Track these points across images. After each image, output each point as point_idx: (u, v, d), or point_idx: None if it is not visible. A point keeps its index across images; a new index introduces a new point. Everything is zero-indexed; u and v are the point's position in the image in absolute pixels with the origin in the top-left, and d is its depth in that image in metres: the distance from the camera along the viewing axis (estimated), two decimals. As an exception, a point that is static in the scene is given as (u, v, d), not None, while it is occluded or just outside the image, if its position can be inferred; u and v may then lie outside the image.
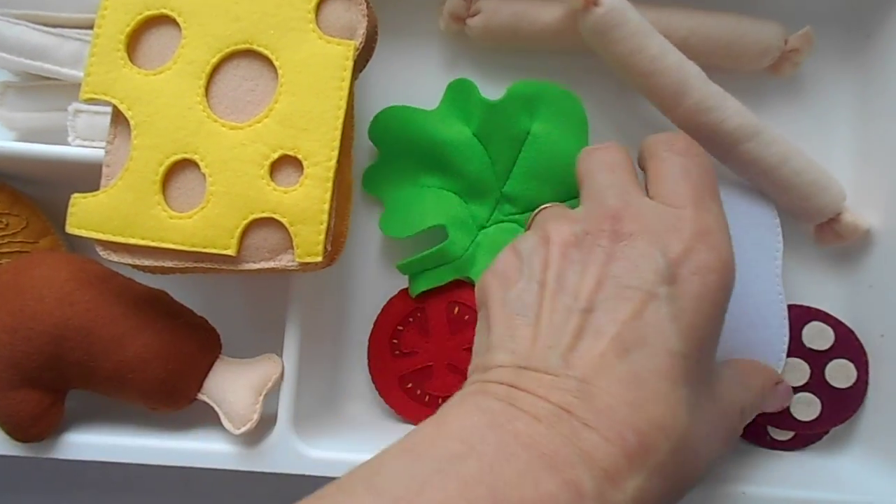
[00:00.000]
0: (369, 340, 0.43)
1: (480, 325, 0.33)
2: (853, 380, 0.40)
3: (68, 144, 0.39)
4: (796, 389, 0.40)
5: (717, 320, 0.30)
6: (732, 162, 0.40)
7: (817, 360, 0.40)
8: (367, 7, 0.35)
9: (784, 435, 0.41)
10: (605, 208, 0.31)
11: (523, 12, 0.42)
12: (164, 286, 0.38)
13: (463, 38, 0.44)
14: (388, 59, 0.43)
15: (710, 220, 0.31)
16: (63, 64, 0.39)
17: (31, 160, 0.38)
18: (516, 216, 0.42)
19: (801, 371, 0.40)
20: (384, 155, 0.44)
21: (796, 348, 0.40)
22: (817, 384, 0.40)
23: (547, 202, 0.41)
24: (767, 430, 0.41)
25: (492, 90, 0.44)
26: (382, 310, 0.43)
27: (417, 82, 0.44)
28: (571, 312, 0.28)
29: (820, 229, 0.41)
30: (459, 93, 0.42)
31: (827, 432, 0.41)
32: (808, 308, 0.41)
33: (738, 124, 0.39)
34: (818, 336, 0.40)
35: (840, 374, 0.40)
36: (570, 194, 0.42)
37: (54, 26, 0.40)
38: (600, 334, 0.28)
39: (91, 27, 0.40)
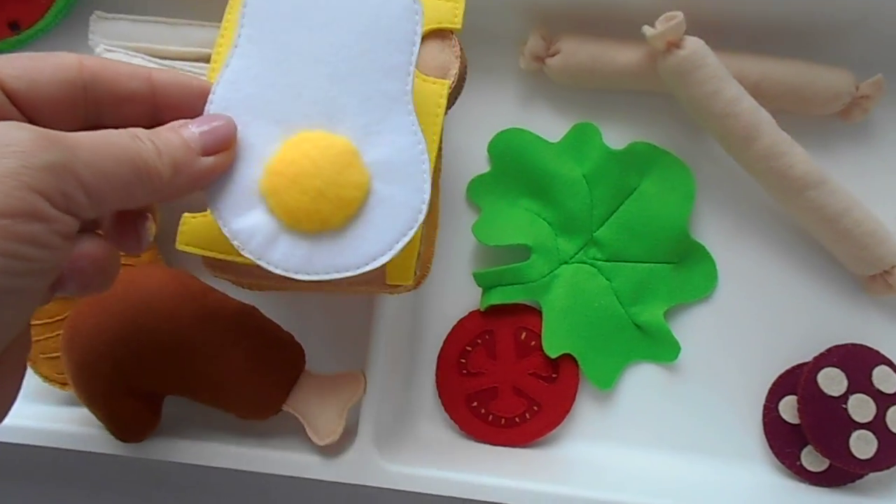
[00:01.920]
0: (438, 358, 0.45)
1: None
2: None
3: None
4: (858, 426, 0.40)
5: None
6: (796, 207, 0.42)
7: (883, 402, 0.41)
8: (460, 49, 0.37)
9: (817, 466, 0.42)
10: None
11: (601, 53, 0.44)
12: (252, 301, 0.41)
13: (540, 77, 0.47)
14: (467, 92, 0.45)
15: None
16: (173, 93, 0.42)
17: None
18: (599, 262, 0.44)
19: (868, 408, 0.40)
20: (496, 169, 0.46)
21: (867, 387, 0.41)
22: (878, 426, 0.40)
23: (631, 256, 0.44)
24: (800, 457, 0.42)
25: (562, 126, 0.46)
26: (452, 330, 0.45)
27: (493, 116, 0.47)
28: None
29: (873, 280, 0.43)
30: (582, 134, 0.45)
31: (862, 476, 0.42)
32: (879, 353, 0.42)
33: (805, 171, 0.40)
34: (885, 379, 0.41)
35: None
36: (653, 256, 0.45)
37: (163, 58, 0.44)
38: None
39: (198, 60, 0.44)
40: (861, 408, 0.40)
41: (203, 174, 0.30)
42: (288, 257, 0.31)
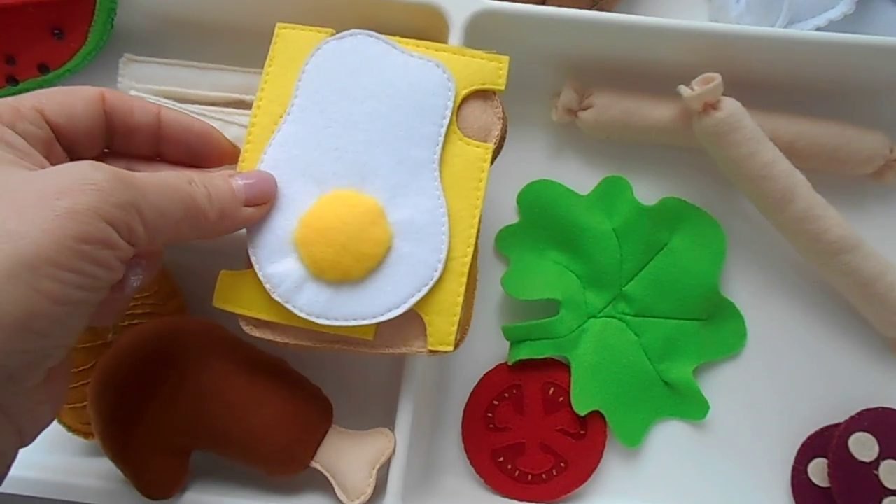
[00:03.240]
0: (465, 412, 0.45)
1: None
2: None
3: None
4: (889, 493, 0.40)
5: None
6: (830, 270, 0.41)
7: None
8: (502, 109, 0.37)
9: None
10: None
11: (635, 109, 0.44)
12: (281, 353, 0.40)
13: (572, 129, 0.46)
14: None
15: None
16: (204, 141, 0.42)
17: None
18: (628, 317, 0.44)
19: None
20: (525, 220, 0.46)
21: None
22: None
23: (660, 312, 0.43)
24: None
25: (592, 179, 0.46)
26: (479, 383, 0.45)
27: (524, 167, 0.47)
28: None
29: None
30: (613, 188, 0.45)
31: None
32: None
33: (840, 235, 0.40)
34: None
35: None
36: (683, 313, 0.44)
37: (195, 102, 0.43)
38: None
39: (225, 105, 0.44)
40: (893, 474, 0.40)
41: (243, 222, 0.34)
42: (312, 303, 0.34)
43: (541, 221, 0.46)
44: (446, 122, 0.35)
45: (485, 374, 0.45)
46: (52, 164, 0.30)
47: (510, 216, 0.47)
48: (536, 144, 0.47)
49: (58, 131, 0.32)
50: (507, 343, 0.45)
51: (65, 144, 0.32)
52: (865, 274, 0.40)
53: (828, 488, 0.41)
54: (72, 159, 0.32)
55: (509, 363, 0.44)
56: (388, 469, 0.39)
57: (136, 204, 0.28)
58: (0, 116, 0.30)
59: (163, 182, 0.30)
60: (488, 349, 0.45)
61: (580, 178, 0.46)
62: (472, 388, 0.45)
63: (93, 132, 0.33)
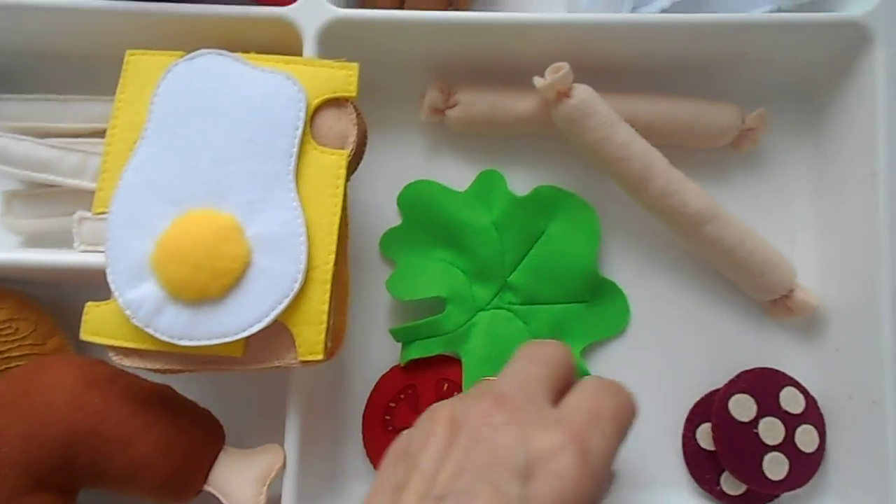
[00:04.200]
0: (363, 417, 0.45)
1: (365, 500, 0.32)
2: (815, 446, 0.42)
3: (72, 248, 0.40)
4: (769, 448, 0.42)
5: None
6: (694, 242, 0.43)
7: (791, 423, 0.42)
8: (357, 115, 0.37)
9: (736, 489, 0.43)
10: (494, 392, 0.31)
11: (499, 103, 0.45)
12: (167, 380, 0.40)
13: (442, 128, 0.47)
14: (373, 148, 0.45)
15: (594, 439, 0.29)
16: (66, 175, 0.41)
17: (38, 267, 0.40)
18: (515, 306, 0.45)
19: (777, 431, 0.42)
20: (406, 222, 0.47)
21: (775, 409, 0.42)
22: (788, 446, 0.42)
23: (545, 299, 0.44)
24: (719, 482, 0.43)
25: (468, 174, 0.47)
26: (375, 387, 0.45)
27: (400, 169, 0.47)
28: (425, 499, 0.28)
29: (773, 304, 0.44)
30: (488, 182, 0.46)
31: (778, 496, 0.43)
32: (785, 375, 0.43)
33: (699, 207, 0.42)
34: (792, 400, 0.42)
35: (807, 439, 0.42)
36: (567, 297, 0.45)
37: (60, 136, 0.43)
38: None
39: (90, 136, 0.43)
40: (771, 430, 0.42)
41: None
42: (172, 325, 0.34)
43: (422, 221, 0.46)
44: (299, 132, 0.36)
45: (379, 378, 0.45)
46: None
47: (393, 219, 0.47)
48: (411, 146, 0.48)
49: None
50: (399, 345, 0.45)
51: None
52: (727, 242, 0.42)
53: (716, 451, 0.43)
54: None
55: (402, 364, 0.45)
56: (282, 485, 0.39)
57: None
58: None
59: None
60: (381, 353, 0.46)
61: (457, 176, 0.47)
62: (368, 394, 0.45)
63: None
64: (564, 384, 0.33)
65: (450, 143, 0.48)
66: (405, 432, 0.33)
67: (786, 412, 0.42)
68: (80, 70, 0.46)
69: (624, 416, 0.31)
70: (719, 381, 0.45)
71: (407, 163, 0.47)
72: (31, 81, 0.46)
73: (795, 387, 0.43)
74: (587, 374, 0.45)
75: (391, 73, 0.46)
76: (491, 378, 0.35)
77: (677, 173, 0.42)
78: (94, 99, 0.44)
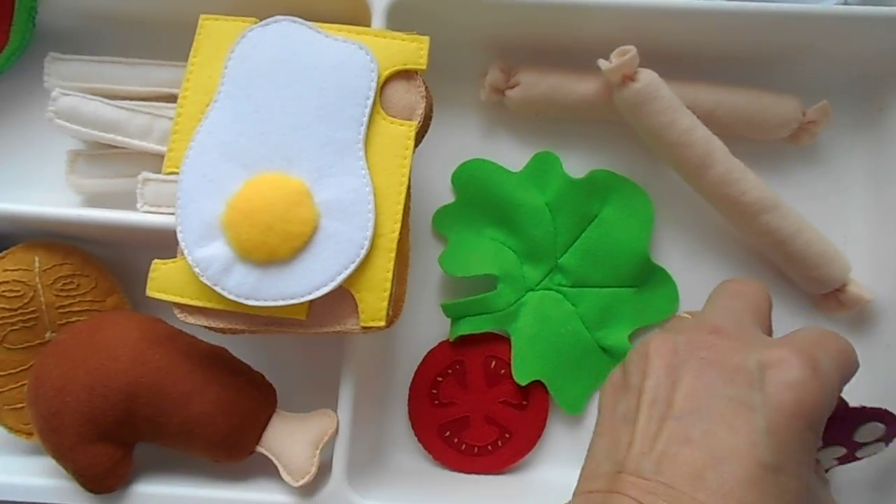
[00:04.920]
0: (410, 390, 0.46)
1: (595, 432, 0.33)
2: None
3: (134, 209, 0.41)
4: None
5: (811, 437, 0.29)
6: (750, 231, 0.43)
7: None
8: (426, 89, 0.37)
9: None
10: (709, 323, 0.32)
11: (560, 85, 0.45)
12: (223, 343, 0.41)
13: (500, 108, 0.47)
14: (431, 125, 0.46)
15: (822, 360, 0.29)
16: (133, 136, 0.42)
17: (101, 225, 0.41)
18: (564, 288, 0.45)
19: None
20: (460, 200, 0.47)
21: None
22: None
23: (595, 282, 0.45)
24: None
25: (523, 155, 0.47)
26: (423, 361, 0.46)
27: (457, 147, 0.47)
28: (665, 420, 0.29)
29: (824, 298, 0.44)
30: (543, 163, 0.46)
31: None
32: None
33: (758, 197, 0.42)
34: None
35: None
36: (616, 281, 0.46)
37: (124, 98, 0.43)
38: (691, 443, 0.28)
39: (155, 100, 0.44)
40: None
41: None
42: (240, 284, 0.35)
43: (476, 200, 0.47)
44: (370, 102, 0.36)
45: (428, 352, 0.46)
46: None
47: (446, 196, 0.47)
48: (468, 125, 0.48)
49: None
50: (448, 320, 0.46)
51: None
52: (784, 233, 0.42)
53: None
54: None
55: (451, 339, 0.45)
56: (332, 448, 0.39)
57: None
58: None
59: None
60: (430, 328, 0.46)
61: (512, 156, 0.47)
62: (416, 367, 0.46)
63: None
64: (767, 321, 0.34)
65: (506, 124, 0.48)
66: (616, 368, 0.33)
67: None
68: (145, 35, 0.47)
69: (848, 358, 0.31)
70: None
71: (463, 141, 0.48)
72: (98, 45, 0.47)
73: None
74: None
75: (452, 51, 0.46)
76: (685, 314, 0.36)
77: (737, 162, 0.42)
78: (159, 64, 0.45)
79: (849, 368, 0.31)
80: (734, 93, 0.44)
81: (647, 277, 0.46)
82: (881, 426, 0.36)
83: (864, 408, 0.35)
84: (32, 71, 0.46)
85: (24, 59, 0.46)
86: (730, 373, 0.29)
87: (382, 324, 0.35)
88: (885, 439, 0.37)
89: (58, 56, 0.45)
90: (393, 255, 0.35)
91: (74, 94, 0.43)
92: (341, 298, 0.35)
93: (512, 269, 0.45)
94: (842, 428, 0.35)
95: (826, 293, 0.44)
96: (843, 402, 0.33)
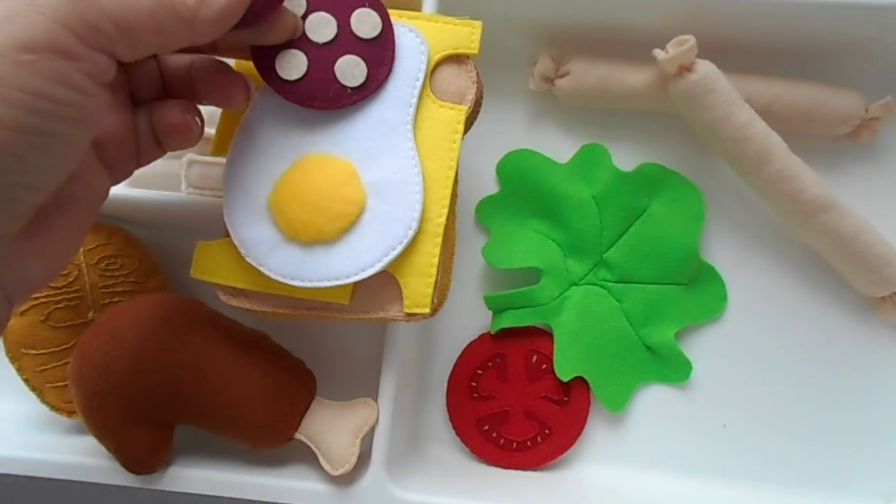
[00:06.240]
0: (449, 382, 0.45)
1: None
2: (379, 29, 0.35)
3: (178, 191, 0.41)
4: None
5: None
6: (807, 230, 0.41)
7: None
8: (477, 74, 0.37)
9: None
10: None
11: (611, 75, 0.44)
12: (263, 328, 0.40)
13: (548, 97, 0.46)
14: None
15: None
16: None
17: (145, 207, 0.41)
18: (609, 283, 0.44)
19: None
20: (504, 191, 0.46)
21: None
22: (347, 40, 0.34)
23: (641, 278, 0.44)
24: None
25: (570, 146, 0.46)
26: (463, 352, 0.45)
27: (502, 136, 0.47)
28: None
29: (882, 301, 0.43)
30: (591, 155, 0.45)
31: None
32: None
33: (816, 195, 0.40)
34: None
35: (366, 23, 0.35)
36: (663, 278, 0.44)
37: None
38: None
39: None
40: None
41: (229, 6, 0.28)
42: (284, 264, 0.34)
43: (520, 191, 0.46)
44: (419, 84, 0.35)
45: (468, 344, 0.45)
46: None
47: (490, 187, 0.47)
48: (514, 114, 0.47)
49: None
50: (490, 312, 0.45)
51: None
52: (843, 233, 0.40)
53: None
54: None
55: (492, 332, 0.45)
56: (371, 438, 0.39)
57: None
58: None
59: None
60: (471, 319, 0.45)
61: (558, 147, 0.46)
62: (455, 358, 0.45)
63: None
64: None
65: (553, 114, 0.47)
66: None
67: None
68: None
69: None
70: (815, 376, 0.43)
71: (508, 131, 0.47)
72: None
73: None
74: (680, 354, 0.44)
75: (501, 39, 0.45)
76: None
77: (796, 158, 0.41)
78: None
79: None
80: (793, 86, 0.43)
81: (696, 275, 0.45)
82: None
83: None
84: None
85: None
86: None
87: (427, 311, 0.34)
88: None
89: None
90: (439, 240, 0.34)
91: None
92: (385, 284, 0.35)
93: (556, 262, 0.44)
94: None
95: (883, 296, 0.42)
96: None
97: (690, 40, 0.39)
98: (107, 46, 0.24)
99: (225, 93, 0.33)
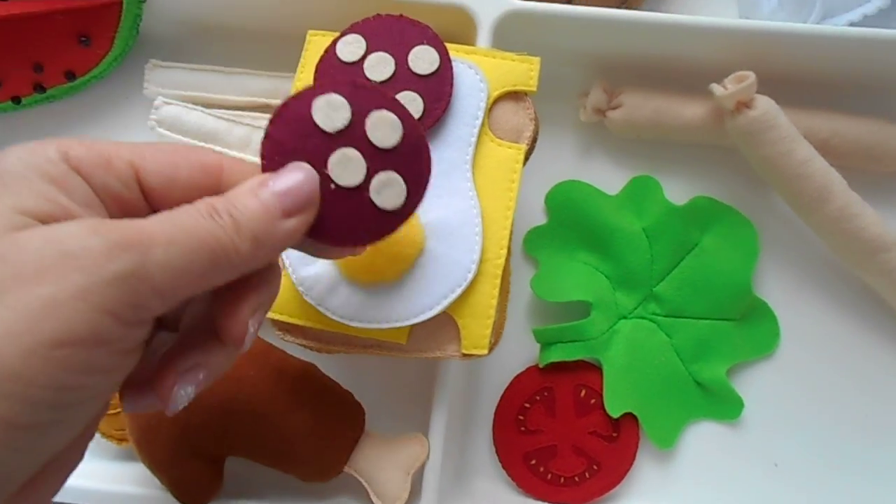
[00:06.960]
0: (496, 415, 0.44)
1: None
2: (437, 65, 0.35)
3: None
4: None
5: None
6: (867, 269, 0.41)
7: None
8: (534, 111, 0.36)
9: None
10: None
11: (666, 108, 0.43)
12: (311, 357, 0.40)
13: (599, 129, 0.46)
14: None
15: None
16: (232, 147, 0.42)
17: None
18: (659, 317, 0.44)
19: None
20: (553, 222, 0.46)
21: None
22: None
23: (691, 313, 0.43)
24: None
25: (620, 178, 0.45)
26: (510, 385, 0.45)
27: (551, 167, 0.46)
28: None
29: None
30: (642, 188, 0.45)
31: None
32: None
33: (877, 234, 0.40)
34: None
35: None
36: (714, 313, 0.44)
37: (220, 107, 0.43)
38: None
39: (250, 109, 0.44)
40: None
41: (284, 240, 0.25)
42: (344, 305, 0.34)
43: (570, 222, 0.45)
44: (479, 122, 0.35)
45: (515, 377, 0.45)
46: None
47: (538, 217, 0.46)
48: (565, 144, 0.47)
49: (150, 195, 0.25)
50: (537, 345, 0.45)
51: (157, 207, 0.25)
52: (903, 272, 0.40)
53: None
54: None
55: (540, 365, 0.44)
56: (421, 473, 0.39)
57: (142, 273, 0.21)
58: (80, 162, 0.23)
59: (177, 229, 0.22)
60: (518, 352, 0.45)
61: (609, 178, 0.46)
62: (502, 391, 0.45)
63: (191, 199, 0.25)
64: None
65: (604, 145, 0.47)
66: None
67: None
68: (242, 45, 0.47)
69: None
70: (868, 417, 0.43)
71: (558, 161, 0.47)
72: (194, 52, 0.47)
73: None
74: (731, 391, 0.43)
75: (554, 70, 0.45)
76: None
77: (856, 196, 0.40)
78: (256, 73, 0.45)
79: None
80: (852, 122, 0.42)
81: (748, 311, 0.44)
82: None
83: None
84: (132, 76, 0.46)
85: (125, 65, 0.47)
86: None
87: (485, 352, 0.34)
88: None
89: (158, 63, 0.45)
90: (498, 281, 0.34)
91: (177, 103, 0.43)
92: (442, 324, 0.34)
93: (605, 295, 0.44)
94: None
95: (943, 337, 0.41)
96: None
97: (750, 76, 0.39)
98: (147, 319, 0.22)
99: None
